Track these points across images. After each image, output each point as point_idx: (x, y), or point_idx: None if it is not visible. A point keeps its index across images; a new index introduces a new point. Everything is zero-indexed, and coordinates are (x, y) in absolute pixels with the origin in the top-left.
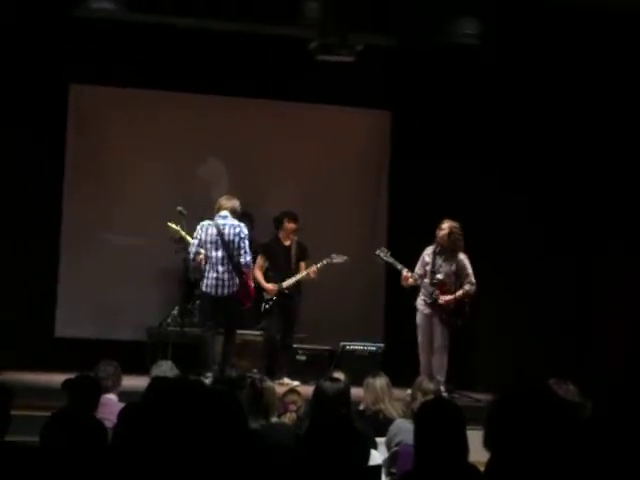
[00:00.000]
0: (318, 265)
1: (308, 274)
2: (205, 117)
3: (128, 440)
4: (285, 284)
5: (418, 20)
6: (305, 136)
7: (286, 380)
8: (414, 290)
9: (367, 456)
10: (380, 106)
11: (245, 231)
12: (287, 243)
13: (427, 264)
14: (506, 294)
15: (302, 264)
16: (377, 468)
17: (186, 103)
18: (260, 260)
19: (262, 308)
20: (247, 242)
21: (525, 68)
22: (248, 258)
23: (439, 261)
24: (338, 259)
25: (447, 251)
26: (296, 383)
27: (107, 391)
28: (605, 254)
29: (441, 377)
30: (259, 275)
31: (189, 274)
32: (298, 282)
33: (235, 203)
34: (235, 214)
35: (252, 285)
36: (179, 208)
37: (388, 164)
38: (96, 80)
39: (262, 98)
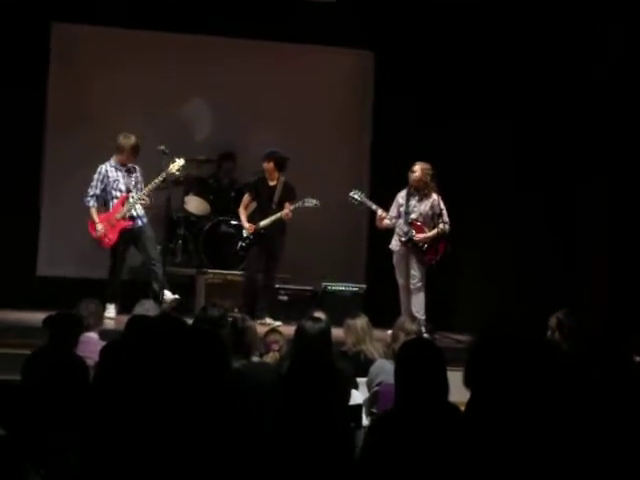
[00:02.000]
0: (291, 207)
1: (282, 215)
2: (187, 57)
3: (109, 378)
4: (262, 223)
5: None
6: (289, 76)
7: (268, 320)
8: (394, 232)
9: (348, 395)
10: (363, 46)
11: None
12: (272, 183)
13: (401, 205)
14: (488, 234)
15: (287, 204)
16: (358, 407)
17: (169, 42)
18: (245, 198)
19: (238, 246)
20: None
21: (515, 13)
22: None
23: (413, 202)
24: (310, 203)
25: (420, 192)
26: (278, 323)
27: (88, 329)
28: (588, 183)
29: (421, 316)
30: (242, 213)
31: (171, 213)
32: (282, 222)
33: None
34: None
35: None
36: (161, 147)
37: (371, 104)
38: (79, 19)
39: (245, 38)
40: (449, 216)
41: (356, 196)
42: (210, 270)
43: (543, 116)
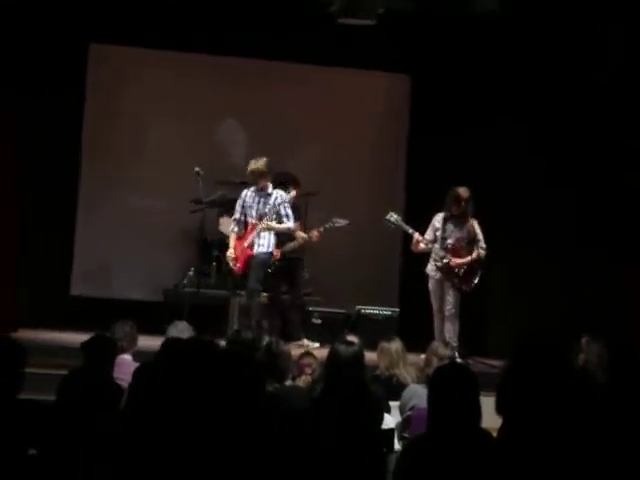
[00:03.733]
0: (320, 229)
1: (310, 237)
2: (225, 79)
3: (142, 400)
4: (287, 248)
5: None
6: (325, 99)
7: (305, 341)
8: (429, 256)
9: (381, 419)
10: (400, 70)
11: None
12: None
13: (437, 229)
14: (519, 258)
15: (314, 229)
16: (390, 431)
17: (206, 65)
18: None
19: (270, 270)
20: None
21: (542, 35)
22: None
23: (450, 226)
24: (340, 222)
25: (457, 217)
26: (316, 345)
27: (123, 351)
28: (618, 190)
29: (454, 342)
30: None
31: (206, 235)
32: (301, 245)
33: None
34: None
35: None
36: (196, 169)
37: (407, 127)
38: (116, 40)
39: (282, 61)
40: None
41: (392, 219)
42: (243, 292)
43: (574, 129)
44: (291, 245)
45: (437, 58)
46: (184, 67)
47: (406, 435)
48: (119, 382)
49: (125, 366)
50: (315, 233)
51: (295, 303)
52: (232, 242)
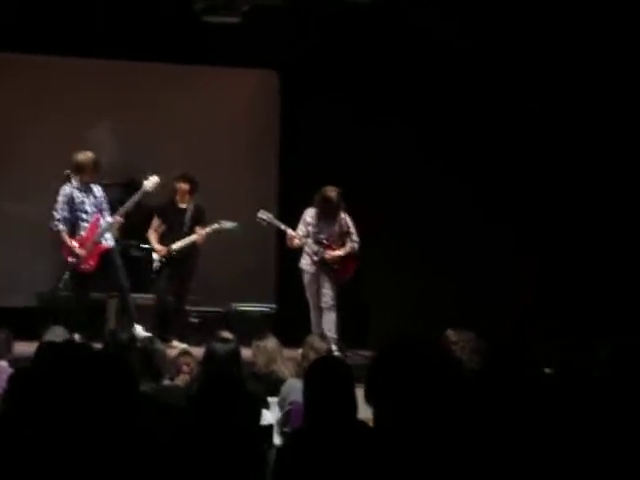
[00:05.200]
0: (207, 229)
1: (196, 238)
2: (93, 81)
3: (17, 405)
4: (174, 246)
5: None
6: (194, 98)
7: (175, 342)
8: (302, 251)
9: (258, 416)
10: (267, 65)
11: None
12: (183, 206)
13: (309, 224)
14: (398, 250)
15: (198, 227)
16: (269, 427)
17: (73, 67)
18: (154, 222)
19: (154, 268)
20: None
21: (414, 23)
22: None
23: (321, 221)
24: (227, 225)
25: (328, 213)
26: (184, 345)
27: None
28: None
29: (332, 335)
30: (152, 236)
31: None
32: (194, 245)
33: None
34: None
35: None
36: (67, 172)
37: (278, 123)
38: None
39: (149, 61)
40: (357, 234)
41: (264, 216)
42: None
43: (444, 121)
44: (179, 244)
45: (304, 52)
46: (52, 70)
47: (287, 430)
48: None
49: (0, 372)
50: (201, 233)
51: (179, 306)
52: (67, 240)
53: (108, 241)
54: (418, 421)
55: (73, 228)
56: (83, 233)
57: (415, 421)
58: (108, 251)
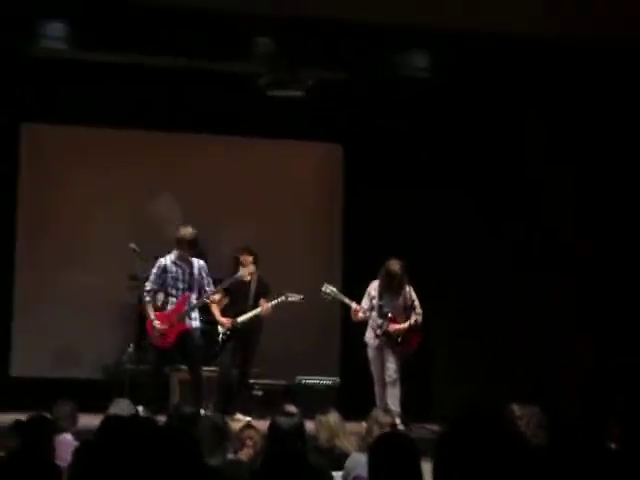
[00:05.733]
0: (273, 302)
1: (261, 311)
2: (158, 154)
3: (82, 478)
4: (240, 319)
5: (368, 54)
6: (257, 171)
7: (238, 416)
8: (367, 324)
9: None
10: (331, 139)
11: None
12: (247, 279)
13: (373, 298)
14: (460, 323)
15: (262, 300)
16: None
17: (139, 140)
18: (218, 294)
19: (220, 340)
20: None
21: (474, 98)
22: None
23: (386, 294)
24: (293, 297)
25: (394, 285)
26: (248, 419)
27: (63, 431)
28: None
29: (396, 409)
30: (215, 309)
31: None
32: (258, 318)
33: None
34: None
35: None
36: (132, 245)
37: (342, 197)
38: (47, 119)
39: (214, 134)
40: (421, 307)
41: (328, 290)
42: (183, 367)
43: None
44: (245, 317)
45: (368, 125)
46: (118, 143)
47: None
48: (59, 462)
49: (65, 445)
50: (267, 306)
51: (243, 379)
52: (151, 314)
53: (193, 321)
54: None
55: (163, 301)
56: (170, 308)
57: None
58: (189, 331)
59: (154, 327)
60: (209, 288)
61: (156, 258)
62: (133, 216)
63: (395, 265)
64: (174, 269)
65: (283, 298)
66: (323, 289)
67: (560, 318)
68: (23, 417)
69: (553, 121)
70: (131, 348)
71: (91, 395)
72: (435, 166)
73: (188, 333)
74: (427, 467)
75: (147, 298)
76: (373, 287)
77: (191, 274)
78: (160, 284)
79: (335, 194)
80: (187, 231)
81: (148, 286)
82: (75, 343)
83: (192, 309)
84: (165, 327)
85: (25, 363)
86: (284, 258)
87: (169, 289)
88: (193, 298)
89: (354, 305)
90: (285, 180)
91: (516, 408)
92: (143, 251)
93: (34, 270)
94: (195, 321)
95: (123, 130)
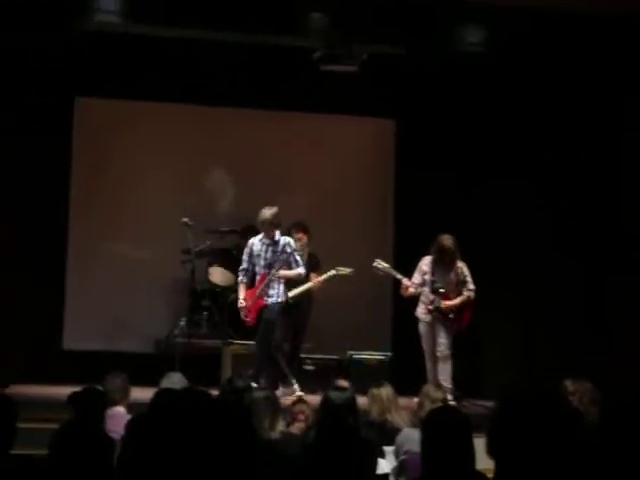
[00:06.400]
0: (323, 277)
1: (312, 286)
2: (210, 128)
3: (135, 452)
4: (291, 294)
5: (423, 29)
6: (310, 145)
7: (290, 390)
8: (419, 299)
9: (374, 465)
10: (385, 114)
11: None
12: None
13: (425, 273)
14: (511, 300)
15: (313, 275)
16: (384, 477)
17: (191, 115)
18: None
19: None
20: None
21: (531, 76)
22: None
23: (438, 269)
24: (344, 271)
25: (446, 260)
26: (300, 393)
27: (115, 404)
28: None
29: (448, 384)
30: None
31: (195, 285)
32: (308, 292)
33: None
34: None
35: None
36: (184, 219)
37: (394, 172)
38: (101, 93)
39: (266, 109)
40: (474, 283)
41: (380, 266)
42: (235, 341)
43: (572, 180)
44: (296, 291)
45: (422, 101)
46: (170, 118)
47: None
48: (112, 435)
49: (117, 418)
50: (318, 280)
51: (294, 353)
52: (242, 293)
53: (269, 298)
54: (541, 476)
55: (253, 281)
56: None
57: (538, 476)
58: (267, 307)
59: (239, 305)
60: (296, 265)
61: (210, 232)
62: (185, 190)
63: (447, 240)
64: (259, 247)
65: (334, 272)
66: (375, 264)
67: (613, 298)
68: (76, 390)
69: (609, 97)
70: (183, 322)
71: (143, 369)
72: (490, 146)
73: (265, 309)
74: (479, 442)
75: (239, 277)
76: (425, 262)
77: (274, 252)
78: (251, 263)
79: (388, 170)
80: (267, 212)
81: (242, 265)
82: (127, 316)
83: (267, 286)
84: (248, 304)
85: (77, 337)
86: (336, 233)
87: (256, 268)
88: (271, 274)
89: (405, 280)
90: (337, 155)
91: (569, 384)
92: (195, 225)
93: (86, 243)
94: (271, 298)
95: (175, 104)
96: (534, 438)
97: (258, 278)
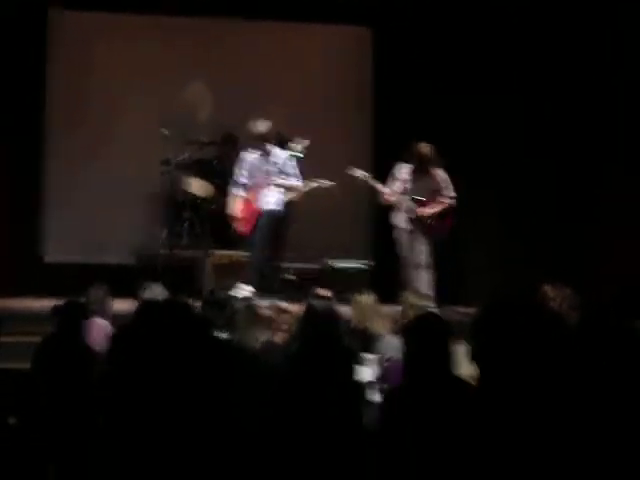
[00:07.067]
0: (305, 188)
1: (294, 196)
2: (187, 39)
3: (120, 364)
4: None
5: None
6: (287, 55)
7: (272, 300)
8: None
9: (352, 371)
10: (361, 22)
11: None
12: None
13: (405, 181)
14: (494, 207)
15: None
16: (363, 383)
17: (167, 26)
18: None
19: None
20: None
21: None
22: None
23: (417, 178)
24: (325, 183)
25: (425, 168)
26: (282, 303)
27: (96, 315)
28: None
29: (429, 292)
30: None
31: (176, 195)
32: (290, 203)
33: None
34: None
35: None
36: (163, 130)
37: (371, 81)
38: (75, 5)
39: (243, 18)
40: (455, 190)
41: (357, 174)
42: (216, 251)
43: (554, 90)
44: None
45: (400, 10)
46: (146, 30)
47: (384, 386)
48: (92, 345)
49: (98, 329)
50: (299, 192)
51: (274, 262)
52: (238, 205)
53: (266, 205)
54: (524, 380)
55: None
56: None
57: (521, 380)
58: (261, 214)
59: (234, 216)
60: (289, 175)
61: (189, 143)
62: (164, 102)
63: (425, 147)
64: (255, 162)
65: (315, 184)
66: (351, 172)
67: (602, 209)
68: (57, 303)
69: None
70: (164, 233)
71: (124, 280)
72: (467, 51)
73: (261, 217)
74: (461, 349)
75: (238, 191)
76: (405, 170)
77: (275, 163)
78: (247, 177)
79: (365, 78)
80: (260, 126)
81: (240, 181)
82: (108, 229)
83: (265, 195)
84: (243, 215)
85: (58, 249)
86: (313, 144)
87: (255, 180)
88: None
89: (386, 189)
90: (315, 64)
91: (549, 289)
92: (175, 136)
93: (65, 158)
94: (267, 205)
95: (151, 16)
96: (517, 342)
97: (257, 190)
